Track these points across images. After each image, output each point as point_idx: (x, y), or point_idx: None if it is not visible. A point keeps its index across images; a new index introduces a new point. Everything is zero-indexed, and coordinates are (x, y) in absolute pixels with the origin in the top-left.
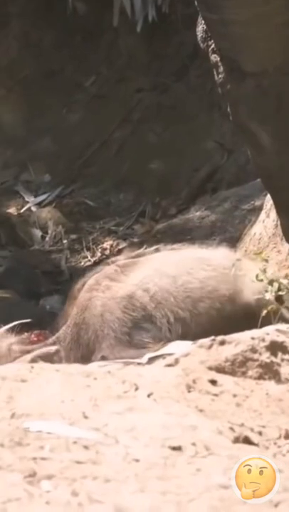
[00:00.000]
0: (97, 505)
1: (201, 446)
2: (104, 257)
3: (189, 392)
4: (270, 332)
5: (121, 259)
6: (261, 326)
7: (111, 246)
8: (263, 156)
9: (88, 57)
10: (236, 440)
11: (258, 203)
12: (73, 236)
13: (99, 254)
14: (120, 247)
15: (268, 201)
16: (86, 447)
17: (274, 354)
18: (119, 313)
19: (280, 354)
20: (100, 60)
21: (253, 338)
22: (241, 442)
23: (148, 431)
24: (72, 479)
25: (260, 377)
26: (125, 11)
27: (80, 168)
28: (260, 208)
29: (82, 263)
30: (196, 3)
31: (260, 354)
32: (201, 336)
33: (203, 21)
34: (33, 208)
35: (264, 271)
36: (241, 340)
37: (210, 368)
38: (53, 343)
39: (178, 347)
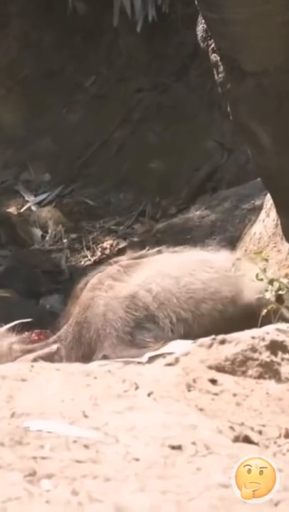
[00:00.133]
0: (97, 505)
1: (201, 445)
2: (104, 256)
3: (189, 391)
4: (270, 331)
5: (124, 259)
6: (261, 326)
7: (111, 245)
8: (263, 156)
9: (88, 57)
10: (236, 439)
11: (258, 202)
12: (73, 235)
13: (99, 253)
14: (120, 246)
15: (268, 200)
16: (86, 446)
17: (274, 353)
18: (122, 313)
19: (280, 353)
20: (100, 60)
21: (253, 338)
22: (241, 441)
23: (148, 430)
24: (73, 478)
25: (260, 376)
26: (125, 11)
27: (80, 167)
28: (260, 208)
29: (82, 262)
30: (196, 2)
31: (260, 353)
32: (203, 337)
33: (203, 21)
34: (33, 208)
35: (264, 270)
36: (241, 340)
37: (210, 367)
38: (54, 342)
39: (178, 346)
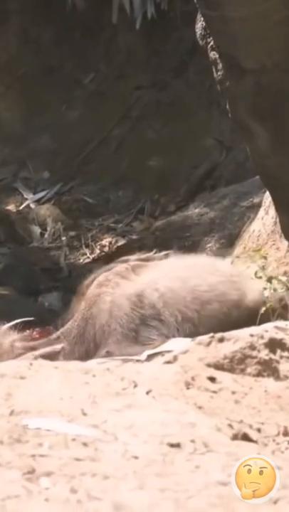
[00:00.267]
0: (96, 502)
1: (200, 443)
2: (103, 254)
3: (188, 389)
4: (269, 329)
5: (132, 259)
6: (260, 323)
7: (110, 243)
8: (262, 154)
9: (87, 54)
10: (235, 437)
11: (256, 200)
12: (72, 233)
13: (98, 251)
14: (119, 244)
15: (267, 198)
16: (85, 444)
17: (273, 351)
18: (128, 310)
19: (278, 351)
20: (99, 57)
21: (251, 335)
22: (240, 439)
23: (147, 428)
24: (71, 476)
25: (258, 374)
26: (124, 8)
27: (79, 165)
28: (258, 205)
29: (81, 260)
30: (195, 0)
31: (259, 351)
32: None
33: (202, 18)
34: (32, 205)
35: (263, 268)
36: (240, 338)
37: (209, 365)
38: (57, 339)
39: (177, 344)
